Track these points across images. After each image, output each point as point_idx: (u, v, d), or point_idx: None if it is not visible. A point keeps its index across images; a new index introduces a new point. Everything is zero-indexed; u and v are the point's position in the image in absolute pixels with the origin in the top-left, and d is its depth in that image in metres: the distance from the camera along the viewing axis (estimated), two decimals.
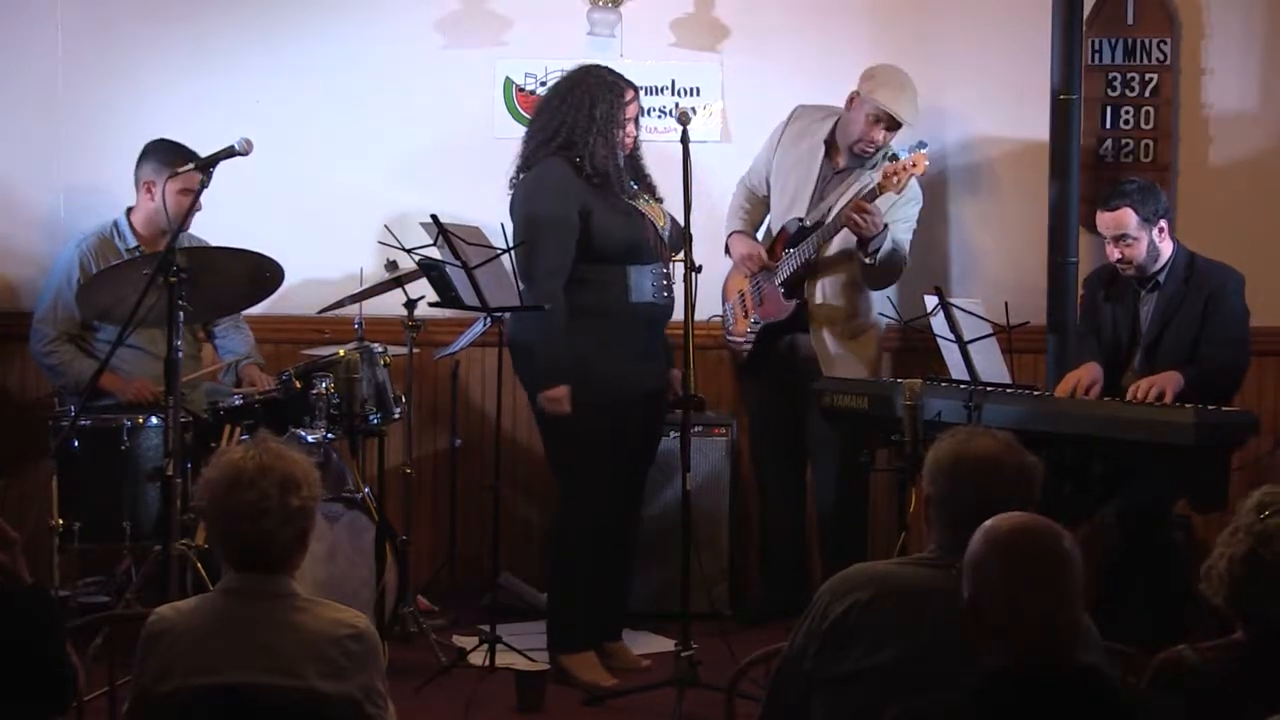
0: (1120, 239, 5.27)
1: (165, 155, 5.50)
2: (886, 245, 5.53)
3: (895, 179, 5.42)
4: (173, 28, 6.18)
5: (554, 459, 5.26)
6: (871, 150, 5.69)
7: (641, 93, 5.31)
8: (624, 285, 5.09)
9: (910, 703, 2.60)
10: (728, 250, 5.88)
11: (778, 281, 5.73)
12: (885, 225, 5.51)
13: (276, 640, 2.89)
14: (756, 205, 5.94)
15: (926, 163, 5.44)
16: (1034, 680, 2.44)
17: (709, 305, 5.95)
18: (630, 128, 5.15)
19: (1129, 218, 5.24)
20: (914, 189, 5.66)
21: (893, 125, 5.66)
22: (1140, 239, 5.27)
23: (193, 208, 5.08)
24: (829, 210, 5.63)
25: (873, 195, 5.48)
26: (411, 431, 5.76)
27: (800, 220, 5.73)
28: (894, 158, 5.53)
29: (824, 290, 5.73)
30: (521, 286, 4.97)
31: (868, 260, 5.56)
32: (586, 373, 5.02)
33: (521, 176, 5.16)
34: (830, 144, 5.77)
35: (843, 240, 5.64)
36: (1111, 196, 5.33)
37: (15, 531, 3.17)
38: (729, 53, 6.21)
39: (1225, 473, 4.98)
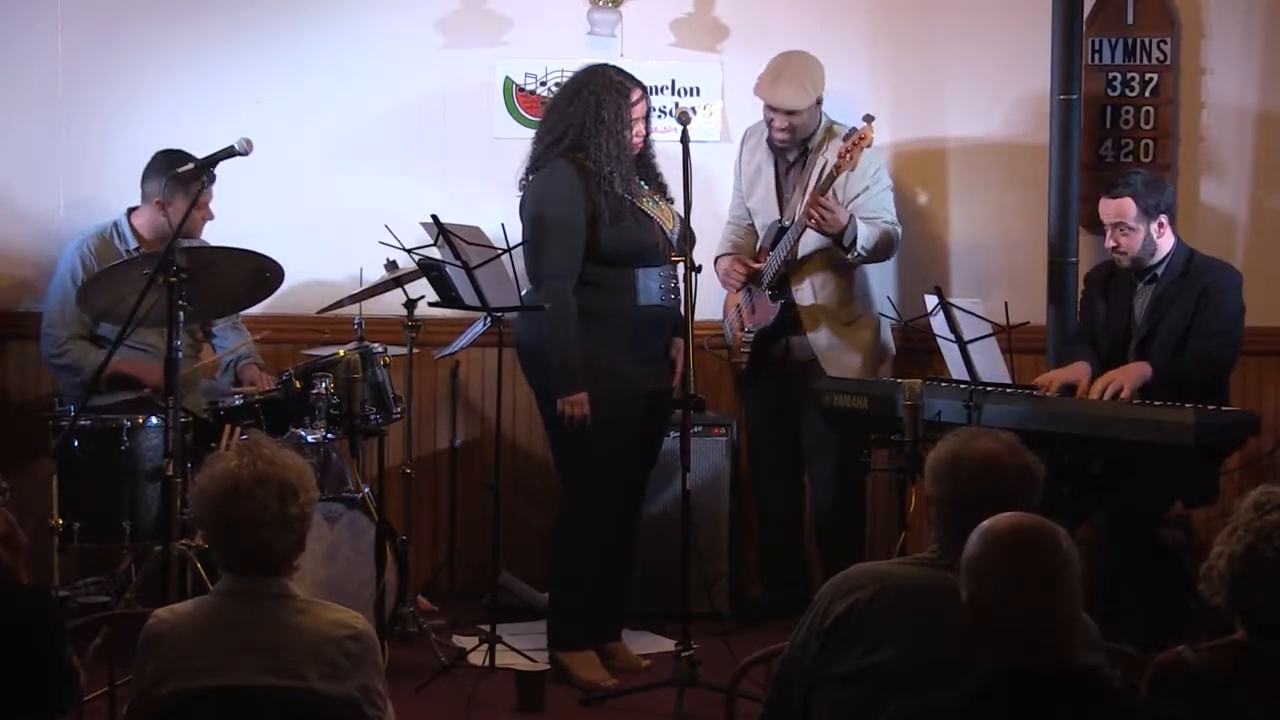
0: (1117, 226, 5.27)
1: (186, 182, 5.28)
2: (862, 232, 5.53)
3: (849, 156, 5.46)
4: (173, 28, 6.18)
5: (559, 458, 5.26)
6: (786, 139, 5.72)
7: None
8: (632, 288, 5.09)
9: (910, 702, 2.60)
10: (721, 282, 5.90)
11: (764, 285, 5.75)
12: (851, 215, 5.52)
13: (275, 641, 2.89)
14: (744, 235, 5.99)
15: (873, 134, 5.47)
16: (1034, 680, 2.44)
17: (709, 305, 5.95)
18: (639, 127, 5.14)
19: (1129, 207, 5.25)
20: (865, 161, 5.59)
21: (785, 111, 5.67)
22: (1138, 230, 5.27)
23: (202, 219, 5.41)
24: (799, 205, 5.65)
25: (831, 177, 5.49)
26: (411, 431, 5.76)
27: (780, 222, 5.75)
28: (849, 133, 5.52)
29: (812, 288, 5.74)
30: (528, 288, 4.96)
31: (850, 257, 5.58)
32: (593, 374, 5.02)
33: (530, 178, 5.16)
34: (773, 145, 5.82)
35: (818, 235, 5.64)
36: (1116, 184, 5.33)
37: (25, 536, 3.18)
38: (729, 53, 6.21)
39: (1218, 467, 4.99)
